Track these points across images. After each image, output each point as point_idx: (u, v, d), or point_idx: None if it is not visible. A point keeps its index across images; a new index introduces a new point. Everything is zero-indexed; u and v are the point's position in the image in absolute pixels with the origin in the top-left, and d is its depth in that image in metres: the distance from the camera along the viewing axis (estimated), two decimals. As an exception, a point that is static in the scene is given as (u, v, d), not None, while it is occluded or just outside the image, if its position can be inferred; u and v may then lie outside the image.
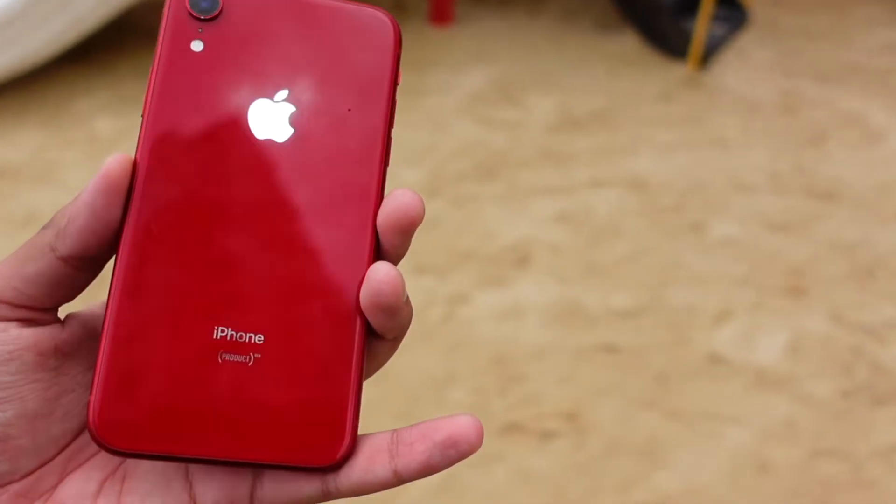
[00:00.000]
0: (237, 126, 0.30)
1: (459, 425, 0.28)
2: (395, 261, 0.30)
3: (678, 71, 2.33)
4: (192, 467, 0.29)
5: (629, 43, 2.48)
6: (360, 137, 0.31)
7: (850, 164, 1.90)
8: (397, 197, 0.29)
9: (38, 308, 0.27)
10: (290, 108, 0.30)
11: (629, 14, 2.44)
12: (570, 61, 2.39)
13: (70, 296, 0.28)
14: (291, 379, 0.29)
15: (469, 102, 2.14)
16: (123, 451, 0.27)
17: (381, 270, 0.28)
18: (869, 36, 2.64)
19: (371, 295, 0.28)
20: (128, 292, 0.27)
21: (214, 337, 0.28)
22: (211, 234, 0.29)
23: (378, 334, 0.30)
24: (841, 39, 2.60)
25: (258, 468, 0.28)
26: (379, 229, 0.30)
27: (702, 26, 2.27)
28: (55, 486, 0.28)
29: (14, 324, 0.27)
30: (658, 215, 1.68)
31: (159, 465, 0.29)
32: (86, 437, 0.29)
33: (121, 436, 0.27)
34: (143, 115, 0.29)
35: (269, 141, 0.30)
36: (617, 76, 2.30)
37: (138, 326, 0.27)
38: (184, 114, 0.29)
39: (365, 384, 0.30)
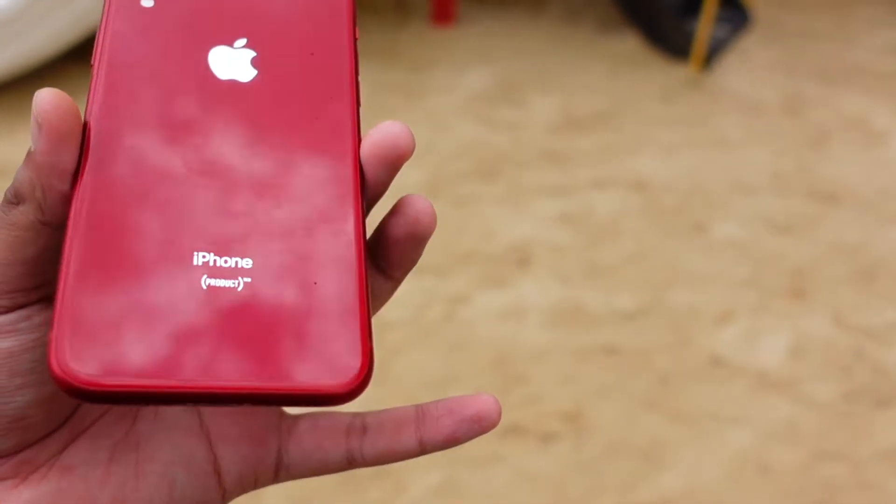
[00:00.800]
0: (197, 70, 0.28)
1: (486, 402, 0.29)
2: (377, 197, 0.29)
3: (680, 71, 2.33)
4: (214, 431, 0.28)
5: (631, 43, 2.48)
6: (328, 75, 0.30)
7: (853, 166, 1.89)
8: (385, 128, 0.28)
9: (50, 280, 0.26)
10: (251, 54, 0.29)
11: (631, 14, 2.44)
12: (571, 61, 2.39)
13: None
14: (289, 303, 0.26)
15: (470, 102, 2.14)
16: (97, 391, 0.23)
17: (418, 200, 0.28)
18: (872, 37, 2.64)
19: (409, 224, 0.28)
20: (90, 221, 0.25)
21: (195, 263, 0.25)
22: (180, 167, 0.26)
23: (387, 272, 0.30)
24: (844, 41, 2.60)
25: (263, 402, 0.24)
26: (364, 161, 0.28)
27: (704, 27, 2.26)
28: (59, 453, 0.27)
29: (35, 307, 0.26)
30: (660, 216, 1.68)
31: (177, 433, 0.28)
32: (87, 406, 0.28)
33: (91, 374, 0.22)
34: (92, 66, 0.28)
35: (233, 81, 0.28)
36: (619, 76, 2.30)
37: (104, 253, 0.24)
38: (137, 60, 0.28)
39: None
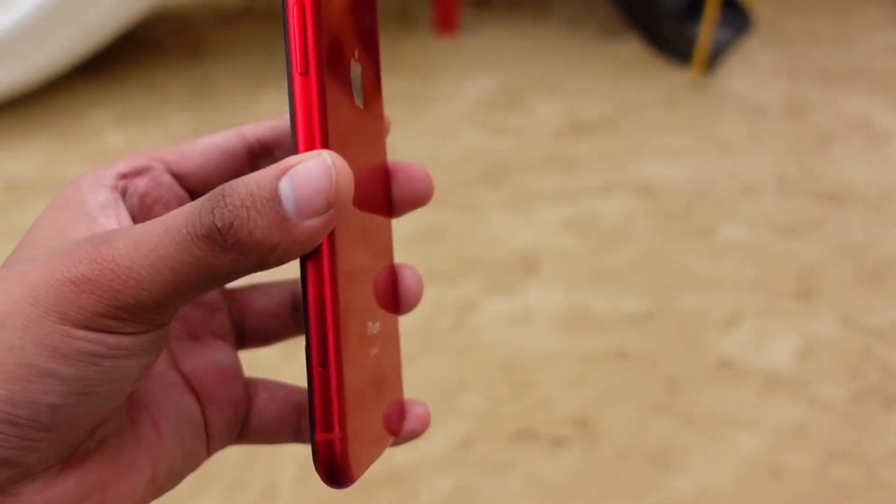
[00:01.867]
0: (351, 96, 0.26)
1: (422, 410, 0.33)
2: None
3: (683, 76, 2.33)
4: (200, 391, 0.30)
5: (634, 48, 2.49)
6: (374, 95, 0.30)
7: (857, 167, 1.89)
8: (417, 179, 0.31)
9: None
10: (358, 67, 0.28)
11: (633, 20, 2.44)
12: (575, 67, 2.39)
13: None
14: (388, 359, 0.29)
15: (475, 110, 2.14)
16: (358, 477, 0.25)
17: (414, 276, 0.32)
18: (873, 38, 2.64)
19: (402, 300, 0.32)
20: (340, 323, 0.24)
21: (368, 334, 0.27)
22: (359, 230, 0.26)
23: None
24: (845, 42, 2.60)
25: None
26: (396, 203, 0.31)
27: (706, 31, 2.27)
28: (90, 433, 0.28)
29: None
30: (665, 220, 1.68)
31: (174, 391, 0.29)
32: None
33: (358, 465, 0.25)
34: (307, 87, 0.23)
35: (359, 108, 0.27)
36: (622, 82, 2.31)
37: (348, 349, 0.25)
38: (332, 91, 0.24)
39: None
